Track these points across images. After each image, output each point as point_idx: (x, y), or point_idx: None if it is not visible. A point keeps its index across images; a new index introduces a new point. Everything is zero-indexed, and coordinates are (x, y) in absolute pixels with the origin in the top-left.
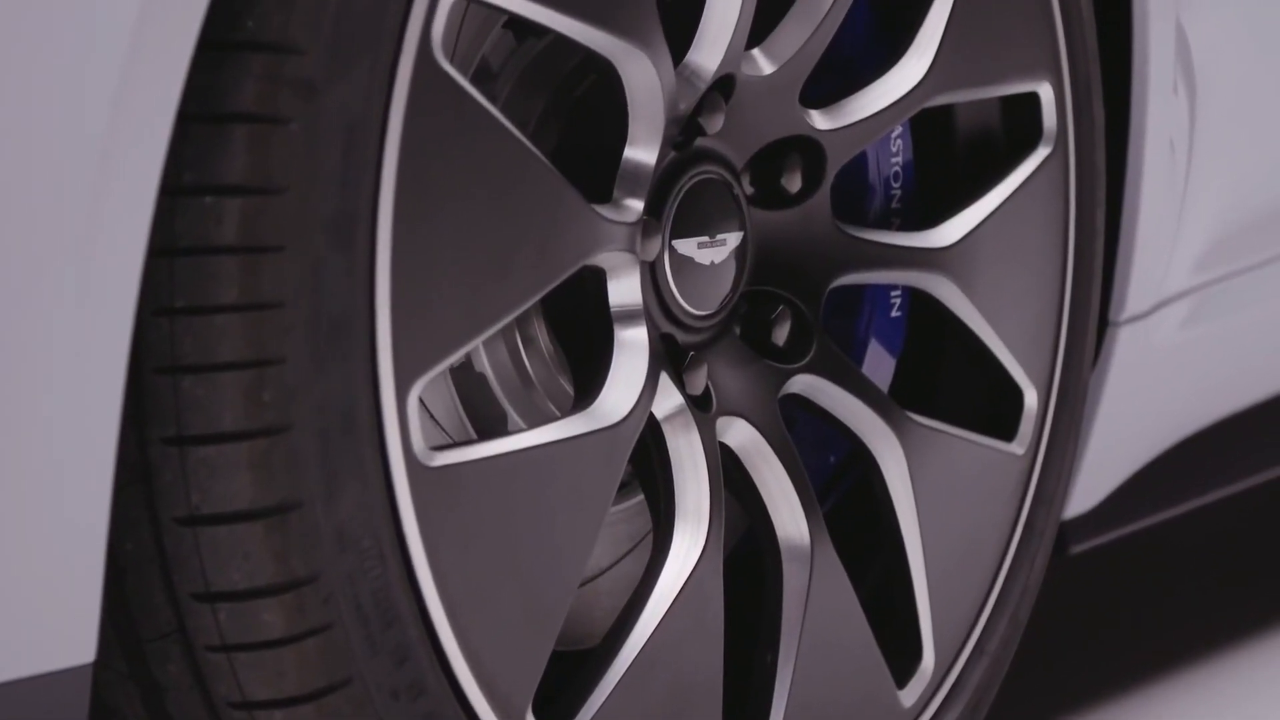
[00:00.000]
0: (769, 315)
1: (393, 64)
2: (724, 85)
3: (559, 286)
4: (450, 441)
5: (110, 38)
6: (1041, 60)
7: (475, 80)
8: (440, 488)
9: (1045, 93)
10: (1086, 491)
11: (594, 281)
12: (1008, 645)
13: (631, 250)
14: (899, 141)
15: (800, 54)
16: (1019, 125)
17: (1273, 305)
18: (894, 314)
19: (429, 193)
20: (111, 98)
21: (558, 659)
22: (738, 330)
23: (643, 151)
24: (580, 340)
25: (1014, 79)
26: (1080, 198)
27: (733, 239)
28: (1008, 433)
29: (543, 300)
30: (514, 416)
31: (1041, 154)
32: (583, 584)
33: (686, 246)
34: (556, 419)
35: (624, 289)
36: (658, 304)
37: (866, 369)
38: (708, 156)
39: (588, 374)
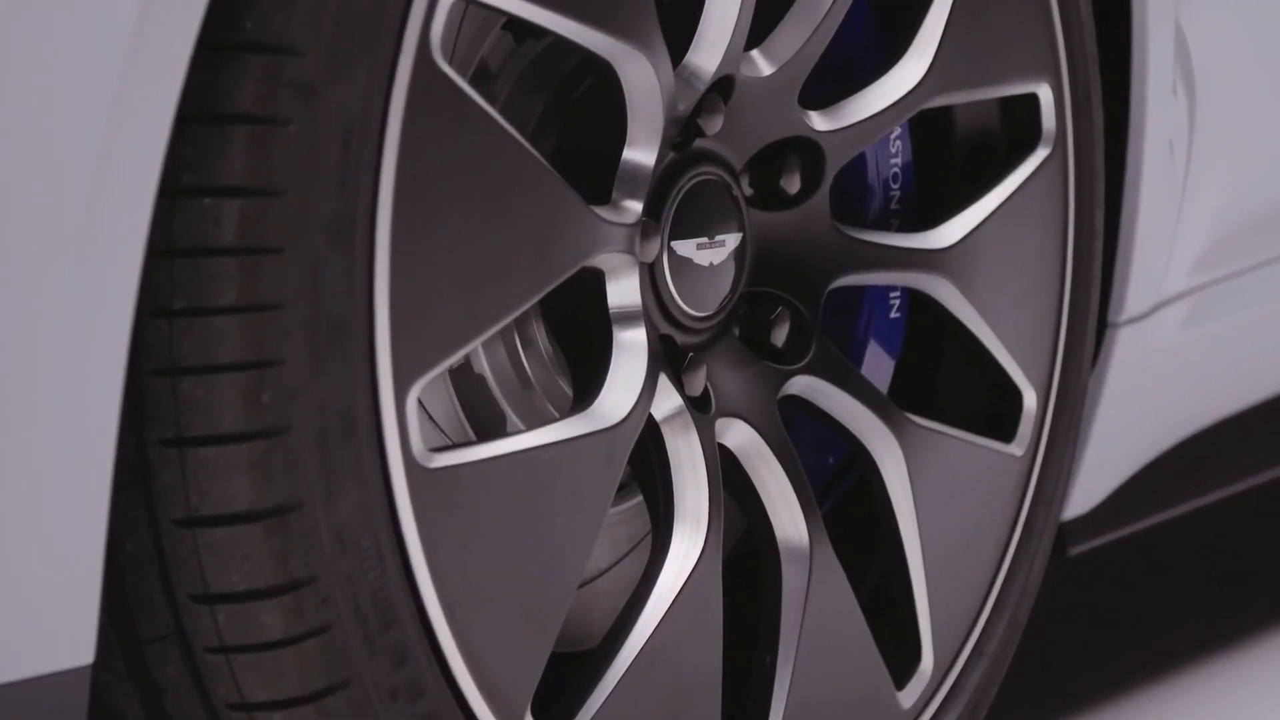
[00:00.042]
0: (768, 316)
1: (392, 65)
2: (723, 86)
3: (558, 288)
4: (449, 443)
5: (110, 38)
6: (1041, 61)
7: (474, 81)
8: (439, 489)
9: (1044, 94)
10: (1086, 492)
11: (593, 283)
12: (1007, 646)
13: (630, 251)
14: (898, 143)
15: (799, 55)
16: (1018, 126)
17: (1272, 306)
18: (893, 315)
19: (428, 194)
20: (111, 98)
21: (557, 660)
22: (737, 331)
23: (641, 153)
24: (579, 342)
25: (1013, 80)
26: (1079, 199)
27: (732, 240)
28: (1007, 434)
29: (542, 302)
30: (513, 418)
31: (1040, 155)
32: (582, 585)
33: (685, 248)
34: (555, 420)
35: (623, 290)
36: (657, 305)
37: (865, 370)
38: (707, 158)
39: (587, 375)
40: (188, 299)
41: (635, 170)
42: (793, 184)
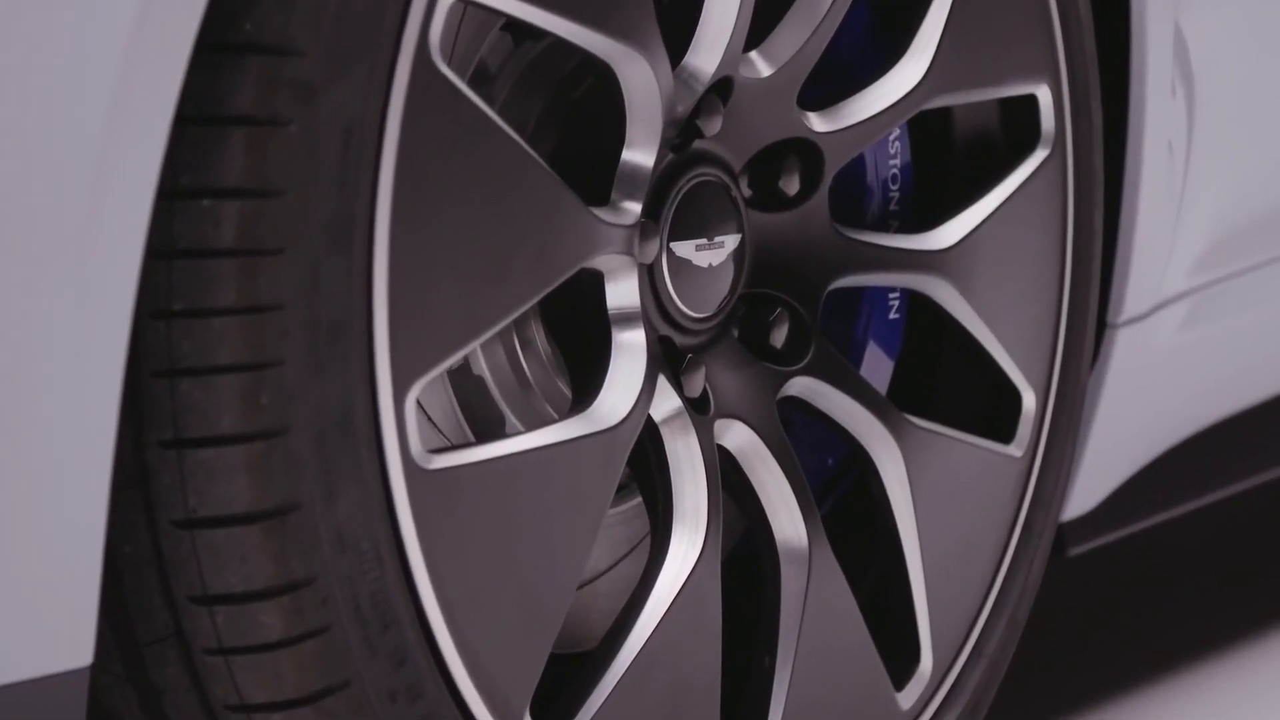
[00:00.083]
0: (767, 317)
1: (391, 66)
2: (722, 88)
3: (557, 289)
4: (448, 444)
5: (108, 39)
6: (1040, 62)
7: (473, 83)
8: (438, 490)
9: (1043, 95)
10: (1085, 493)
11: (592, 284)
12: (1006, 647)
13: (629, 253)
14: (897, 144)
15: (798, 56)
16: (1017, 127)
17: (1272, 307)
18: (892, 316)
19: (427, 195)
20: (110, 99)
21: (555, 661)
22: (736, 333)
23: (640, 154)
24: (578, 343)
25: (1012, 81)
26: (1078, 200)
27: (731, 241)
28: (1006, 435)
29: (541, 303)
30: (512, 419)
31: (1040, 156)
32: (581, 586)
33: (684, 249)
34: (554, 422)
35: (622, 291)
36: (656, 306)
37: (865, 371)
38: (706, 159)
39: (586, 377)
40: (187, 300)
41: (634, 171)
42: (792, 185)
